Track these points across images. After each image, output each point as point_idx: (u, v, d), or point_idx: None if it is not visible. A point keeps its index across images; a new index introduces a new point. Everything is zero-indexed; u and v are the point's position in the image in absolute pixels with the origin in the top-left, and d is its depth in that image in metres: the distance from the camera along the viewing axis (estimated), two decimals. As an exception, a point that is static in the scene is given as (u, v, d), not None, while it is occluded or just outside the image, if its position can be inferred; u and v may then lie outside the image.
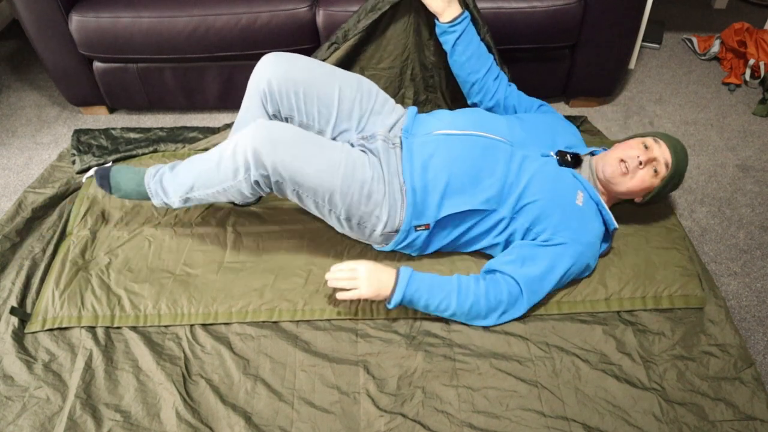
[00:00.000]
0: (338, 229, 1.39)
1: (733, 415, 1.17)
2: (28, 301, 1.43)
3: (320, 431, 1.18)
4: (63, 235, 1.59)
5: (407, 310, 1.36)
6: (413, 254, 1.44)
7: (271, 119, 1.42)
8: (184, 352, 1.32)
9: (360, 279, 1.27)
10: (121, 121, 2.11)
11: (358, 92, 1.43)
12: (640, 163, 1.32)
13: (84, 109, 2.14)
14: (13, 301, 1.41)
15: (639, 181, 1.34)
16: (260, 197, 1.60)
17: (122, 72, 1.96)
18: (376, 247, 1.44)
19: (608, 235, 1.41)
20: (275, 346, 1.32)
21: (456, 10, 1.51)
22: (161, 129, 1.96)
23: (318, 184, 1.26)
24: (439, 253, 1.46)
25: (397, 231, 1.35)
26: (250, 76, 1.93)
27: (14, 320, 1.37)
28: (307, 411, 1.21)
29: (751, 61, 2.16)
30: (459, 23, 1.51)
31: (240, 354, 1.31)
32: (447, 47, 1.57)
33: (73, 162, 1.83)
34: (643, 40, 2.39)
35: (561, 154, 1.39)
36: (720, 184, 1.78)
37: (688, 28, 2.54)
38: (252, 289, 1.42)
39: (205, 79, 1.98)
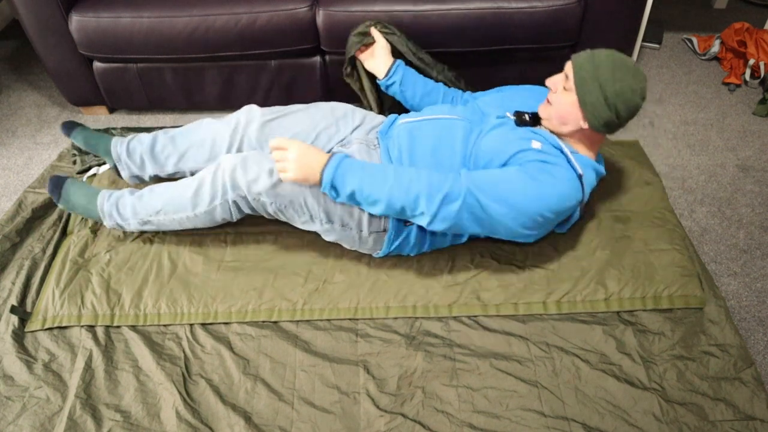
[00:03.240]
0: (328, 237, 1.41)
1: (733, 415, 1.17)
2: (28, 301, 1.43)
3: (320, 431, 1.18)
4: (63, 235, 1.60)
5: (407, 309, 1.37)
6: (412, 254, 1.45)
7: None
8: (184, 352, 1.32)
9: (289, 161, 1.23)
10: (121, 121, 2.11)
11: (333, 117, 1.51)
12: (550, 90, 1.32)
13: (84, 109, 2.14)
14: (13, 301, 1.41)
15: (557, 105, 1.29)
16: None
17: (122, 72, 1.96)
18: (374, 254, 1.45)
19: (583, 183, 1.29)
20: (275, 346, 1.32)
21: (388, 61, 1.58)
22: (161, 128, 1.96)
23: (290, 191, 1.31)
24: (437, 255, 1.47)
25: (385, 230, 1.36)
26: (249, 77, 1.95)
27: (14, 320, 1.37)
28: (307, 411, 1.21)
29: (751, 61, 2.16)
30: (394, 73, 1.58)
31: (240, 354, 1.31)
32: (399, 98, 1.62)
33: (74, 162, 1.83)
34: (643, 40, 2.38)
35: (518, 115, 1.38)
36: (720, 184, 1.78)
37: (688, 28, 2.54)
38: (252, 288, 1.42)
39: (205, 79, 1.98)
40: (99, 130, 1.73)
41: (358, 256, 1.47)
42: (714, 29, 2.50)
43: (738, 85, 2.18)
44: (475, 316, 1.36)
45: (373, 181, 1.22)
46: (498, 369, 1.26)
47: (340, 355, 1.30)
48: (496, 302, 1.37)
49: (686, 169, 1.84)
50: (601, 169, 1.36)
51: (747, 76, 2.17)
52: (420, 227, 1.36)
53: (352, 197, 1.25)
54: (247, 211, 1.39)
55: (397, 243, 1.39)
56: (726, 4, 2.68)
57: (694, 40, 2.38)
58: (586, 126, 1.28)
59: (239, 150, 1.50)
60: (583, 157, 1.31)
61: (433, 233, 1.39)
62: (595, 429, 1.16)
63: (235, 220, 1.43)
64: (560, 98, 1.29)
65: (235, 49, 1.86)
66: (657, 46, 2.40)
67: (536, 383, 1.24)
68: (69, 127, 1.62)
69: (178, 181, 1.43)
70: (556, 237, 1.50)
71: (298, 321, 1.37)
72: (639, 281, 1.39)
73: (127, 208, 1.46)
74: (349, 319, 1.37)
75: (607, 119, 1.24)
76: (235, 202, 1.35)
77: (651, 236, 1.49)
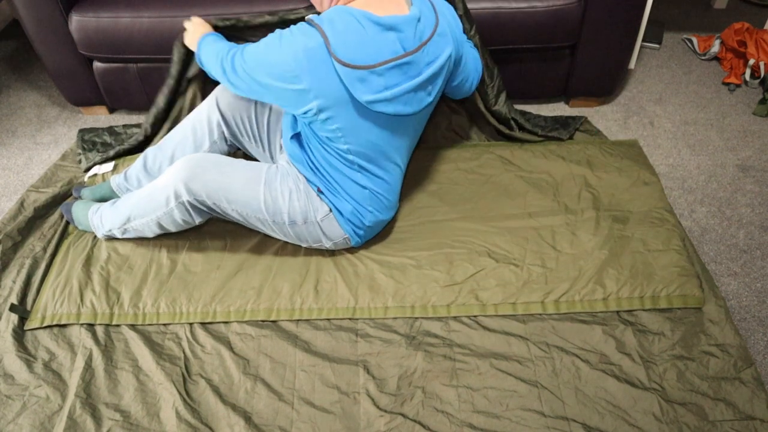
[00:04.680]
0: (303, 243, 1.45)
1: (733, 414, 1.17)
2: (29, 300, 1.43)
3: (320, 431, 1.18)
4: (64, 234, 1.60)
5: (405, 309, 1.37)
6: (368, 221, 1.41)
7: (222, 143, 1.56)
8: (183, 352, 1.32)
9: (188, 29, 1.53)
10: (121, 121, 2.12)
11: None
12: None
13: (84, 109, 2.14)
14: (13, 299, 1.41)
15: None
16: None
17: (122, 72, 1.96)
18: (352, 243, 1.46)
19: (319, 23, 1.17)
20: (275, 346, 1.32)
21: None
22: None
23: (249, 195, 1.34)
24: (435, 254, 1.47)
25: (331, 210, 1.37)
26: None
27: (14, 319, 1.37)
28: (307, 411, 1.21)
29: (751, 61, 2.16)
30: None
31: (240, 354, 1.31)
32: None
33: (80, 161, 1.83)
34: (643, 40, 2.38)
35: None
36: (720, 184, 1.78)
37: (688, 28, 2.54)
38: (250, 287, 1.42)
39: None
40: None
41: (356, 256, 1.47)
42: (714, 29, 2.50)
43: (738, 85, 2.18)
44: (475, 316, 1.36)
45: (209, 49, 1.39)
46: (498, 369, 1.26)
47: (340, 355, 1.30)
48: (495, 302, 1.37)
49: (686, 169, 1.84)
50: (363, 12, 1.17)
51: (747, 76, 2.17)
52: (348, 192, 1.37)
53: (201, 59, 1.42)
54: (205, 216, 1.42)
55: (344, 218, 1.38)
56: (726, 4, 2.68)
57: (694, 40, 2.38)
58: None
59: (219, 126, 1.53)
60: (336, 6, 1.21)
61: (353, 189, 1.37)
62: (595, 429, 1.16)
63: (197, 222, 1.43)
64: None
65: (235, 49, 1.86)
66: (657, 46, 2.40)
67: (536, 383, 1.24)
68: (77, 189, 1.69)
69: (139, 189, 1.45)
70: (554, 235, 1.50)
71: (297, 321, 1.37)
72: (637, 281, 1.39)
73: (107, 218, 1.49)
74: (349, 319, 1.37)
75: None
76: (191, 204, 1.36)
77: (649, 236, 1.49)
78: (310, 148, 1.36)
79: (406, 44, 1.20)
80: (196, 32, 1.50)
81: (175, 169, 1.35)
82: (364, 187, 1.37)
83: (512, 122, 1.79)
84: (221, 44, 1.36)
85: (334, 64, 1.16)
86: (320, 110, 1.21)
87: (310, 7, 1.64)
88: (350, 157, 1.31)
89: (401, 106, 1.25)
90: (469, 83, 1.57)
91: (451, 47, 1.31)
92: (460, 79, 1.53)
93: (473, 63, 1.56)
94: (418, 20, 1.22)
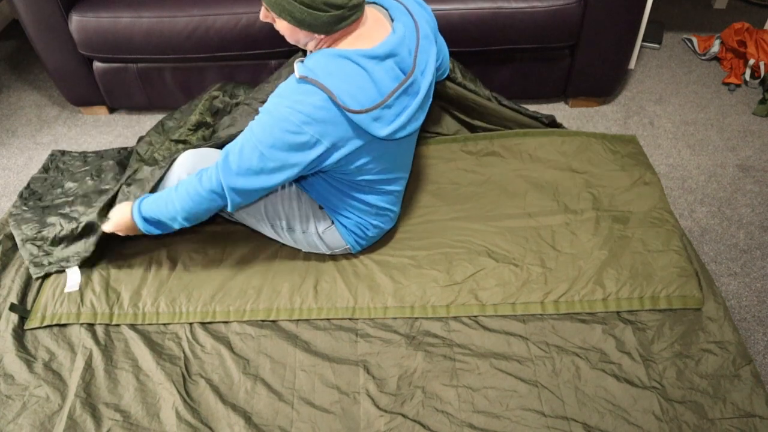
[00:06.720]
0: (303, 248, 1.46)
1: (732, 412, 1.17)
2: (29, 299, 1.43)
3: (320, 431, 1.18)
4: (63, 235, 1.60)
5: (404, 309, 1.37)
6: (371, 232, 1.42)
7: None
8: (183, 352, 1.32)
9: (110, 215, 1.35)
10: (121, 121, 2.12)
11: None
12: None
13: (84, 109, 2.14)
14: (13, 299, 1.41)
15: (284, 35, 1.17)
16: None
17: (122, 72, 1.96)
18: (353, 250, 1.46)
19: (308, 73, 1.10)
20: (275, 345, 1.32)
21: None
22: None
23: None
24: (435, 254, 1.47)
25: (332, 222, 1.37)
26: (249, 77, 1.95)
27: (14, 318, 1.37)
28: (307, 411, 1.21)
29: (751, 61, 2.16)
30: None
31: (240, 354, 1.31)
32: None
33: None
34: (643, 40, 2.38)
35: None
36: (720, 184, 1.78)
37: (688, 28, 2.54)
38: (250, 287, 1.42)
39: (205, 79, 1.98)
40: None
41: (355, 256, 1.47)
42: (714, 29, 2.50)
43: (738, 85, 2.18)
44: (475, 316, 1.36)
45: (168, 208, 1.25)
46: (498, 369, 1.26)
47: (340, 355, 1.30)
48: (494, 302, 1.37)
49: (686, 169, 1.84)
50: (350, 51, 1.10)
51: (747, 76, 2.17)
52: (352, 210, 1.36)
53: (172, 222, 1.27)
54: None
55: (347, 230, 1.38)
56: (726, 4, 2.68)
57: (694, 40, 2.38)
58: (314, 33, 1.13)
59: None
60: (325, 50, 1.13)
61: (341, 197, 1.34)
62: (595, 428, 1.16)
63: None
64: (278, 28, 1.16)
65: (235, 49, 1.86)
66: (657, 46, 2.40)
67: (536, 383, 1.24)
68: None
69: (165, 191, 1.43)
70: (554, 235, 1.50)
71: (297, 321, 1.37)
72: (637, 281, 1.38)
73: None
74: (349, 319, 1.37)
75: (310, 20, 1.08)
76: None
77: (649, 236, 1.49)
78: (313, 179, 1.34)
79: (404, 65, 1.16)
80: (122, 213, 1.33)
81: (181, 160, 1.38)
82: (372, 205, 1.36)
83: (494, 99, 1.75)
84: (183, 187, 1.23)
85: (346, 114, 1.11)
86: (339, 159, 1.17)
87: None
88: (363, 184, 1.29)
89: (414, 123, 1.22)
90: (445, 62, 1.53)
91: (434, 46, 1.26)
92: (439, 62, 1.47)
93: (441, 40, 1.48)
94: (404, 35, 1.17)
